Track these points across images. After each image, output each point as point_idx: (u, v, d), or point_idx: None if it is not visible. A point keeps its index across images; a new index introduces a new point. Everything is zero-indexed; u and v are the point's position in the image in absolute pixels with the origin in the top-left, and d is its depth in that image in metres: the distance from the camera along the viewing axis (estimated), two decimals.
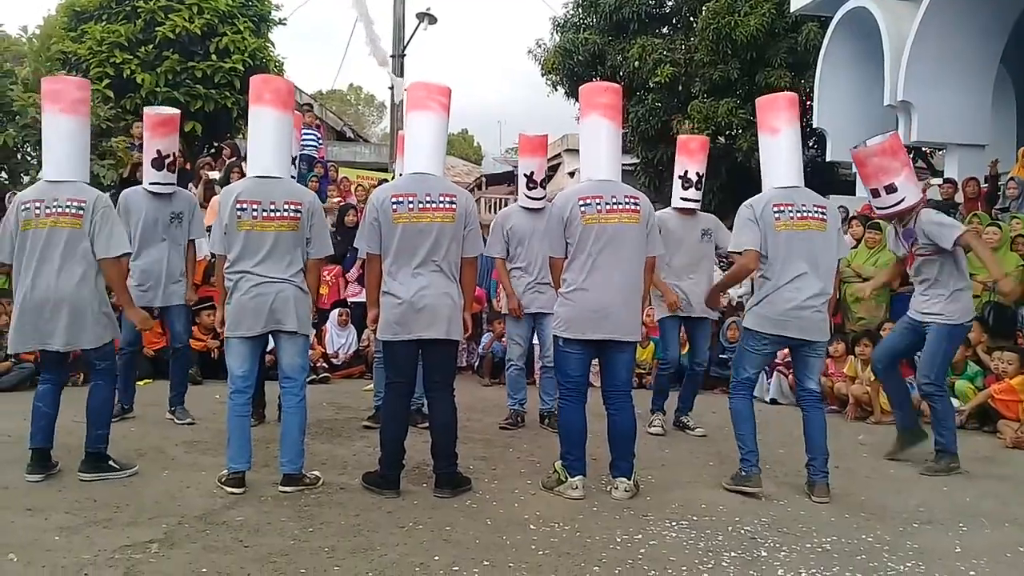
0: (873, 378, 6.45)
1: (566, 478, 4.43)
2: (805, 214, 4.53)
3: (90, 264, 4.39)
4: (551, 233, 4.55)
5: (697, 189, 5.96)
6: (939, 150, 13.36)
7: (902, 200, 5.01)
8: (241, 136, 14.84)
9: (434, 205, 4.30)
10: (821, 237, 4.55)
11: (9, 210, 4.51)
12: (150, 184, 5.71)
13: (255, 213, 4.28)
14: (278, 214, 4.30)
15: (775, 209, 4.52)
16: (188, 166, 10.96)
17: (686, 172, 5.96)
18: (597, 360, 4.62)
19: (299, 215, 4.35)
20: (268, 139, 4.39)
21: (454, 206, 4.34)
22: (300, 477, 4.38)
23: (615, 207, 4.40)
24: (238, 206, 4.29)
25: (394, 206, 4.30)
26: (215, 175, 10.81)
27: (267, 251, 4.30)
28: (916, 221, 5.09)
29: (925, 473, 5.15)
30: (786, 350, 5.12)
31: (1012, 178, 9.42)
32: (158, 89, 12.88)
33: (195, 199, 6.38)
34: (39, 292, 4.33)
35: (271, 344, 4.53)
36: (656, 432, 6.01)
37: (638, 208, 4.45)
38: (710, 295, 5.39)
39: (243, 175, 10.21)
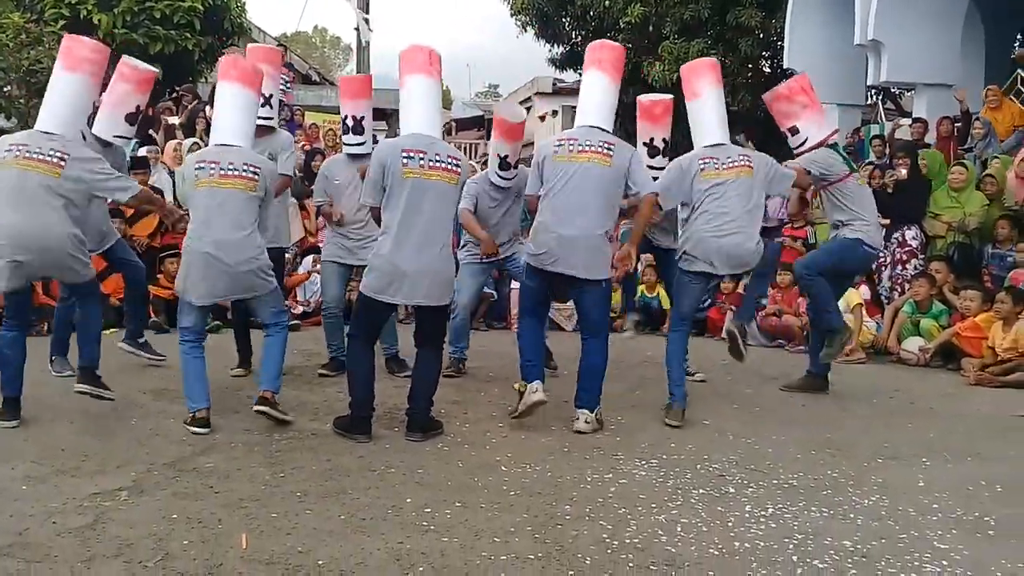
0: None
1: (524, 388, 4.57)
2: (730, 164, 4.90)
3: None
4: (531, 174, 4.80)
5: (664, 156, 5.75)
6: (908, 91, 13.36)
7: (806, 140, 5.32)
8: (204, 80, 14.52)
9: (443, 165, 4.32)
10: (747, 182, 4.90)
11: None
12: (115, 136, 5.53)
13: (211, 171, 4.39)
14: (236, 173, 4.40)
15: (700, 163, 4.91)
16: (150, 111, 10.71)
17: (652, 139, 5.75)
18: (573, 303, 4.90)
19: (256, 178, 4.43)
20: (230, 111, 4.57)
21: (458, 168, 4.39)
22: (272, 398, 4.45)
23: (586, 148, 4.53)
24: (197, 166, 4.44)
25: (404, 160, 4.27)
26: (176, 120, 10.58)
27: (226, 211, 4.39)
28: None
29: (824, 361, 5.45)
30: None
31: (978, 118, 9.45)
32: (116, 30, 12.51)
33: (125, 152, 6.16)
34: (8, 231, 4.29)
35: None
36: (628, 335, 6.20)
37: (610, 152, 4.56)
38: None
39: (207, 120, 10.08)
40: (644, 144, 5.77)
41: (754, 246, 4.88)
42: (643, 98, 5.91)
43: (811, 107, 5.35)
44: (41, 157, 4.31)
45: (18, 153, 4.31)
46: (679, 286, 5.15)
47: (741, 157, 4.95)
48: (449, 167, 4.35)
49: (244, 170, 4.40)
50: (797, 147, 5.38)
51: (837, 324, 5.41)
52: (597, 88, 4.74)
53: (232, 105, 4.57)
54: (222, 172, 4.38)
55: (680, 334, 5.06)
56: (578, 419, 4.57)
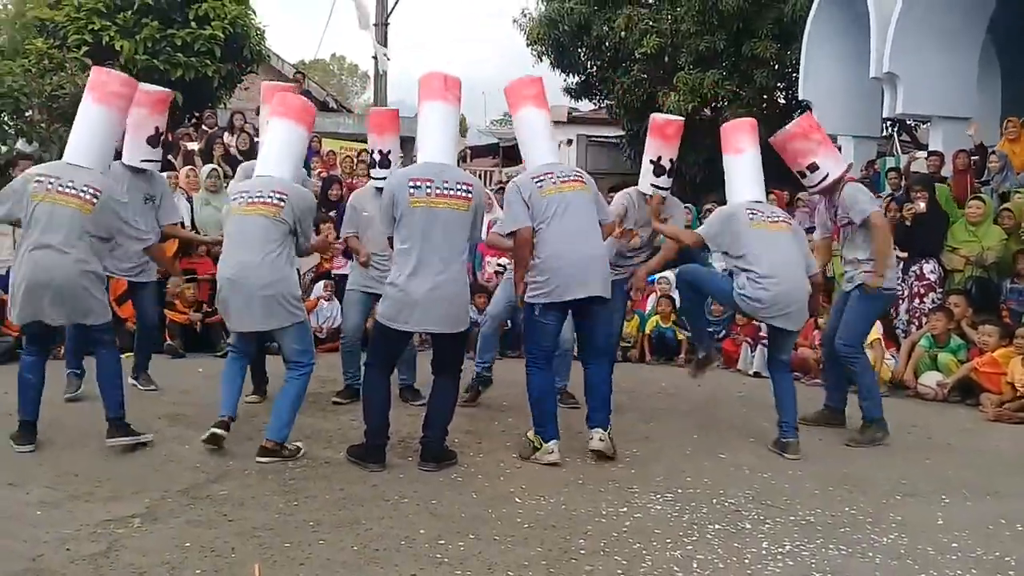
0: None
1: (540, 445, 4.52)
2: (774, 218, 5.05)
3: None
4: (515, 209, 4.69)
5: (669, 176, 5.71)
6: (923, 123, 13.35)
7: (827, 175, 5.28)
8: (223, 106, 14.67)
9: (452, 192, 4.34)
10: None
11: (17, 179, 4.57)
12: (142, 160, 5.61)
13: (241, 200, 4.50)
14: (261, 199, 4.46)
15: (748, 213, 4.98)
16: (169, 137, 10.81)
17: (659, 158, 5.68)
18: (576, 329, 4.89)
19: (282, 203, 4.46)
20: (273, 145, 4.67)
21: (469, 195, 4.40)
22: (277, 447, 4.41)
23: (567, 178, 4.69)
24: (234, 197, 4.57)
25: (411, 190, 4.30)
26: (194, 146, 10.67)
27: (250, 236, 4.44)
28: (840, 194, 5.32)
29: (850, 444, 5.25)
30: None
31: (994, 151, 9.42)
32: (137, 57, 12.66)
33: (168, 185, 6.25)
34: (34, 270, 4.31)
35: None
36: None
37: (585, 180, 4.75)
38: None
39: (224, 147, 10.17)
40: (651, 161, 5.69)
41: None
42: (658, 116, 5.91)
43: (825, 143, 5.37)
44: (74, 192, 4.35)
45: (49, 186, 4.35)
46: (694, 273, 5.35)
47: (782, 214, 5.16)
48: (459, 193, 4.35)
49: (270, 196, 4.44)
50: (816, 184, 5.31)
51: (876, 414, 5.33)
52: (541, 125, 4.86)
53: (277, 139, 4.66)
54: (249, 200, 4.46)
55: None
56: (592, 438, 4.60)
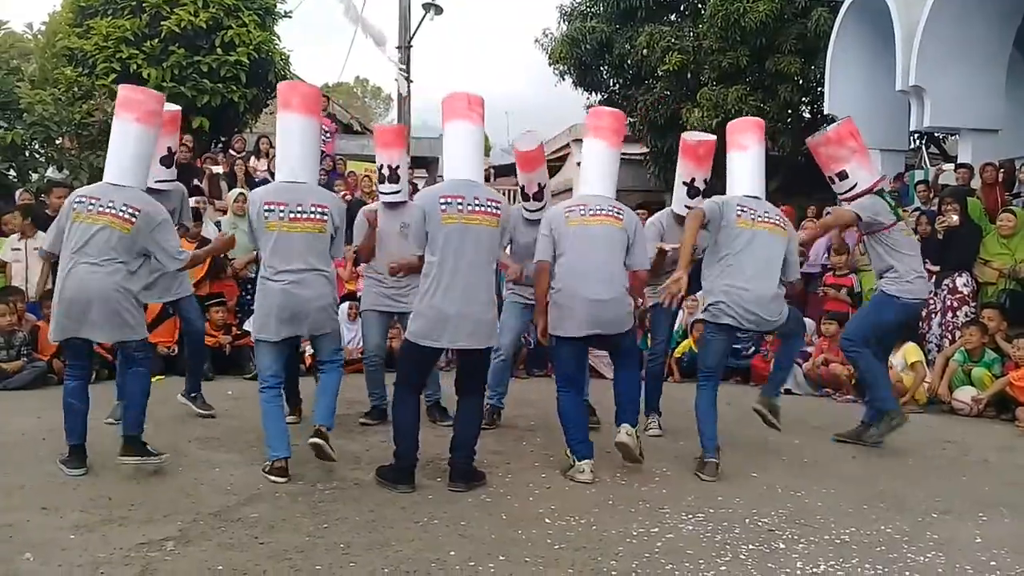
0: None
1: (574, 463, 4.56)
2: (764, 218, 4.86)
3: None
4: (541, 241, 4.75)
5: (704, 197, 5.66)
6: (952, 135, 13.23)
7: (855, 185, 5.30)
8: (249, 130, 14.84)
9: (482, 208, 4.36)
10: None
11: (63, 207, 4.62)
12: (156, 182, 5.66)
13: (281, 214, 4.45)
14: (305, 216, 4.48)
15: (738, 208, 4.83)
16: (198, 162, 10.95)
17: (693, 180, 5.68)
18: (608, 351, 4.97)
19: (325, 218, 4.52)
20: (295, 144, 4.58)
21: (498, 211, 4.43)
22: (326, 434, 4.53)
23: (598, 212, 4.67)
24: (266, 207, 4.47)
25: (443, 207, 4.32)
26: (219, 169, 10.80)
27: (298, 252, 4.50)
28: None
29: (871, 440, 5.29)
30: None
31: None
32: (164, 84, 12.83)
33: (183, 189, 6.30)
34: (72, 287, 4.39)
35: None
36: (654, 434, 5.78)
37: (620, 216, 4.69)
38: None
39: (246, 169, 10.29)
40: (684, 183, 5.70)
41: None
42: (688, 136, 5.84)
43: (859, 152, 5.32)
44: (113, 212, 4.41)
45: (90, 207, 4.43)
46: (703, 340, 5.19)
47: (777, 215, 4.93)
48: (489, 210, 4.38)
49: (312, 212, 4.49)
50: (845, 192, 5.33)
51: (889, 406, 5.30)
52: (598, 156, 4.83)
53: (294, 140, 4.60)
54: (292, 215, 4.46)
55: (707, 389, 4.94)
56: (620, 432, 4.64)
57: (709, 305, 4.84)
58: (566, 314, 4.58)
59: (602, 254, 4.60)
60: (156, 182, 5.66)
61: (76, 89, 11.87)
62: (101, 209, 4.41)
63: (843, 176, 5.28)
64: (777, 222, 4.87)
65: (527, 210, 5.80)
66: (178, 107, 6.08)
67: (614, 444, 4.66)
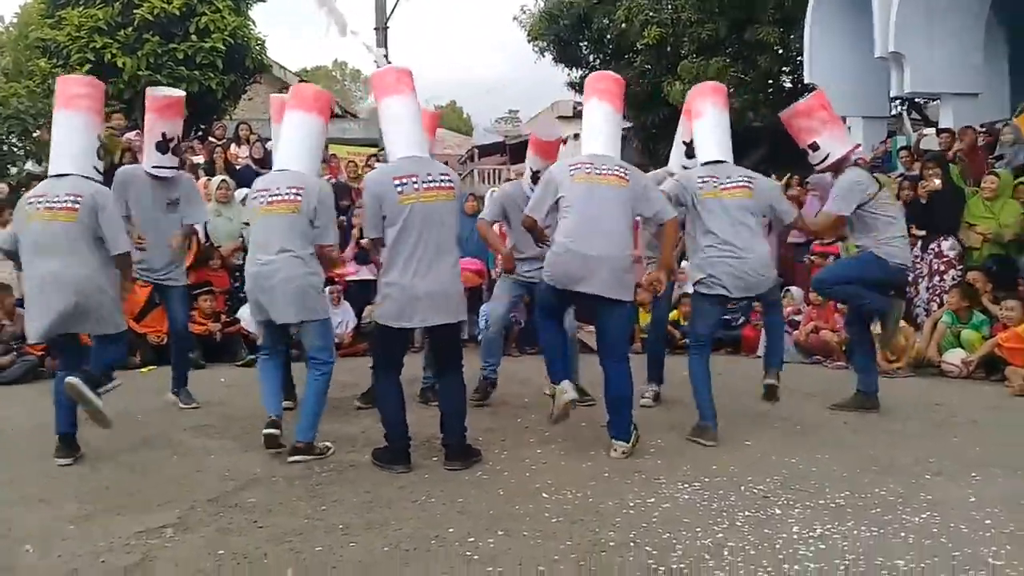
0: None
1: (554, 390, 4.58)
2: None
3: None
4: (539, 194, 4.72)
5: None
6: (933, 100, 13.27)
7: (827, 155, 5.29)
8: (228, 117, 14.72)
9: (436, 184, 4.33)
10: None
11: (17, 211, 4.59)
12: (153, 167, 5.62)
13: (261, 200, 4.54)
14: (279, 198, 4.49)
15: (699, 182, 4.88)
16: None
17: (691, 142, 5.65)
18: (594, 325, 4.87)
19: (299, 198, 4.48)
20: (291, 137, 4.67)
21: (452, 184, 4.40)
22: (307, 447, 4.48)
23: (603, 171, 4.57)
24: (252, 196, 4.65)
25: (398, 187, 4.29)
26: (199, 159, 10.70)
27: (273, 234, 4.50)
28: (843, 174, 5.32)
29: (883, 344, 5.43)
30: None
31: (1007, 123, 9.35)
32: (140, 73, 12.73)
33: (195, 183, 6.27)
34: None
35: None
36: (646, 404, 5.81)
37: (627, 176, 4.60)
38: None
39: (226, 157, 10.20)
40: (684, 143, 5.75)
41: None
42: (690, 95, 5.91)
43: (831, 123, 5.34)
44: (61, 205, 4.38)
45: (39, 206, 4.39)
46: (694, 309, 5.16)
47: (741, 177, 4.93)
48: (443, 185, 4.34)
49: (287, 193, 4.48)
50: (819, 163, 5.35)
51: (881, 306, 5.36)
52: (601, 117, 4.77)
53: (291, 133, 4.67)
54: (269, 200, 4.51)
55: (698, 357, 4.97)
56: (615, 450, 4.53)
57: (701, 278, 4.85)
58: (564, 267, 4.48)
59: (608, 214, 4.50)
60: (153, 167, 5.63)
61: (51, 81, 11.72)
62: (49, 205, 4.38)
63: (815, 147, 5.30)
64: (741, 183, 4.88)
65: (533, 189, 5.75)
66: (181, 92, 6.01)
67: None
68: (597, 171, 4.54)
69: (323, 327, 4.65)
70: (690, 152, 5.65)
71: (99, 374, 4.49)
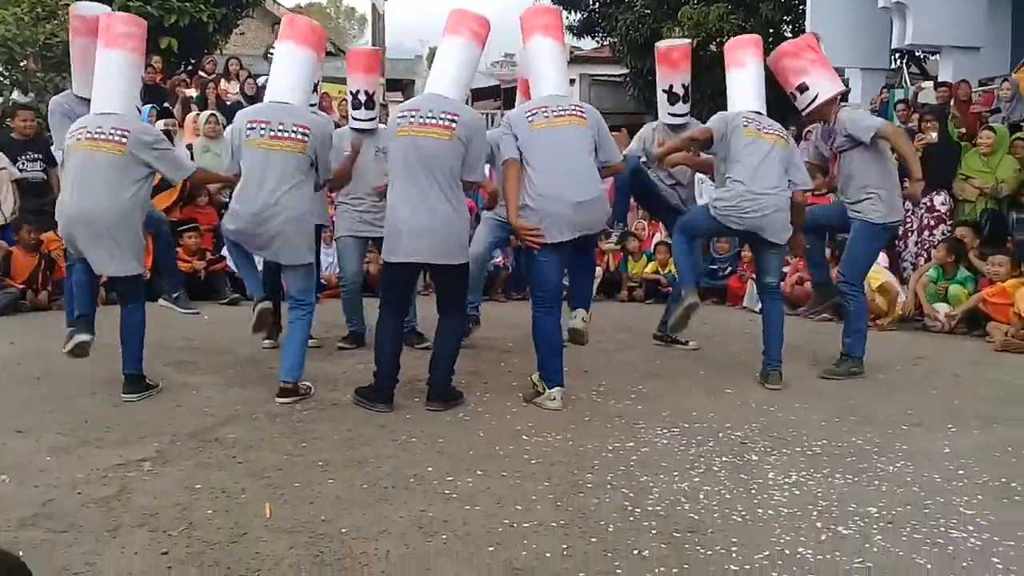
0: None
1: (544, 390, 4.47)
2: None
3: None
4: (504, 140, 4.55)
5: (684, 102, 5.68)
6: (933, 54, 13.13)
7: (816, 96, 5.10)
8: (219, 52, 14.47)
9: (434, 121, 4.23)
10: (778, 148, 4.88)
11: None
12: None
13: (262, 132, 4.39)
14: (286, 135, 4.39)
15: (744, 120, 4.87)
16: (167, 83, 10.69)
17: (671, 86, 5.67)
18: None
19: (306, 139, 4.41)
20: (288, 70, 4.55)
21: (454, 124, 4.25)
22: (295, 387, 4.47)
23: (562, 112, 4.46)
24: (248, 126, 4.43)
25: (399, 120, 4.28)
26: (192, 92, 10.55)
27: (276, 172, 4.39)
28: (835, 119, 5.15)
29: (825, 376, 5.19)
30: None
31: (1006, 79, 9.26)
32: (130, 3, 12.44)
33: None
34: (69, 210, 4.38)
35: None
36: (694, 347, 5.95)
37: (585, 115, 4.51)
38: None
39: (216, 92, 10.05)
40: (664, 91, 5.72)
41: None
42: (661, 44, 5.86)
43: (819, 63, 5.15)
44: (104, 136, 4.34)
45: (85, 135, 4.37)
46: (700, 213, 5.17)
47: (780, 128, 4.97)
48: (442, 123, 4.24)
49: (293, 131, 4.39)
50: (807, 105, 5.13)
51: (858, 353, 5.26)
52: (550, 54, 4.63)
53: (287, 63, 4.56)
54: (272, 134, 4.38)
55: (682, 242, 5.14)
56: (575, 317, 4.69)
57: (718, 202, 4.91)
58: (550, 221, 4.34)
59: (576, 155, 4.41)
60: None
61: (40, 9, 11.47)
62: (95, 136, 4.35)
63: (803, 88, 5.11)
64: (780, 134, 4.93)
65: None
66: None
67: (567, 330, 4.69)
68: (556, 113, 4.44)
69: (309, 270, 4.62)
70: (672, 98, 5.63)
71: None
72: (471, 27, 4.42)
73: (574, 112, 4.49)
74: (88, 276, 4.55)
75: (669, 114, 5.71)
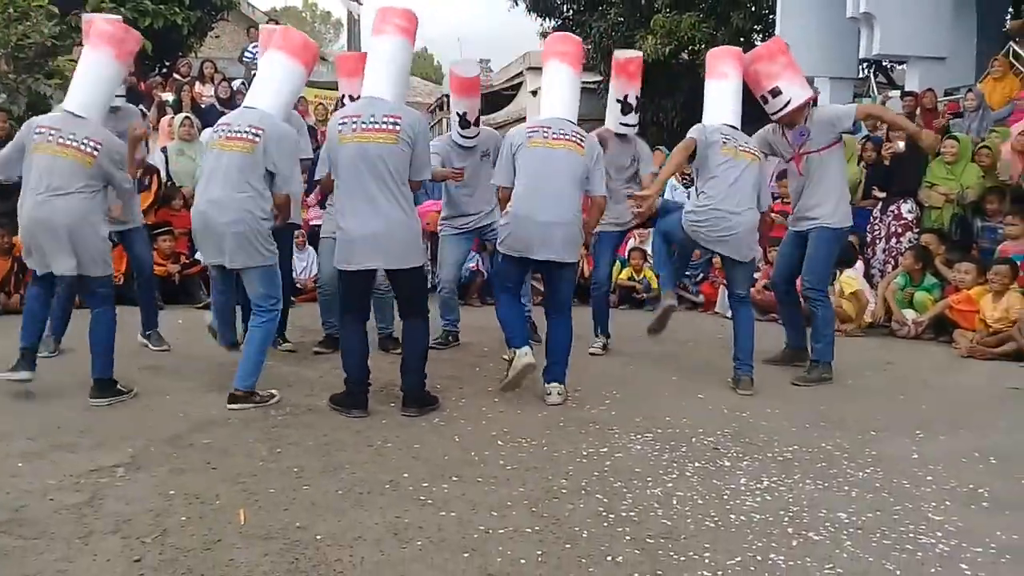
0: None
1: (513, 356, 4.59)
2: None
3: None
4: (501, 163, 4.74)
5: (635, 113, 5.88)
6: (900, 64, 13.32)
7: (789, 101, 5.16)
8: (194, 55, 14.37)
9: (377, 126, 4.23)
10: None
11: (20, 131, 4.55)
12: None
13: (220, 133, 4.43)
14: (238, 135, 4.36)
15: (722, 136, 4.96)
16: (141, 86, 10.60)
17: (626, 96, 5.79)
18: (542, 278, 4.98)
19: (257, 138, 4.34)
20: (263, 78, 4.59)
21: (397, 127, 4.23)
22: (246, 395, 4.42)
23: (560, 136, 4.59)
24: (214, 130, 4.54)
25: (339, 127, 4.28)
26: (168, 96, 10.48)
27: (224, 172, 4.36)
28: (809, 119, 5.23)
29: (797, 383, 5.24)
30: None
31: (971, 88, 9.42)
32: (104, 5, 12.32)
33: (138, 113, 6.08)
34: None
35: None
36: (595, 352, 6.00)
37: (583, 143, 4.63)
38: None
39: (191, 95, 9.99)
40: (617, 101, 5.83)
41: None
42: (618, 54, 5.94)
43: (791, 67, 5.22)
44: (75, 144, 4.32)
45: (50, 138, 4.33)
46: (676, 221, 5.16)
47: (752, 144, 5.09)
48: (385, 127, 4.22)
49: (245, 131, 4.35)
50: (779, 110, 5.19)
51: (827, 358, 5.33)
52: (561, 80, 4.76)
53: (264, 73, 4.60)
54: (227, 135, 4.39)
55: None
56: (550, 393, 4.66)
57: (689, 216, 5.00)
58: (518, 235, 4.55)
59: (561, 178, 4.55)
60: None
61: (12, 10, 11.32)
62: (62, 141, 4.32)
63: (776, 92, 5.14)
64: (754, 151, 5.06)
65: (464, 137, 5.87)
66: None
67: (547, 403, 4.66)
68: (554, 135, 4.57)
69: (268, 273, 4.51)
70: (625, 108, 5.75)
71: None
72: (398, 23, 4.39)
73: (572, 138, 4.61)
74: (40, 304, 4.53)
75: (621, 123, 5.84)
